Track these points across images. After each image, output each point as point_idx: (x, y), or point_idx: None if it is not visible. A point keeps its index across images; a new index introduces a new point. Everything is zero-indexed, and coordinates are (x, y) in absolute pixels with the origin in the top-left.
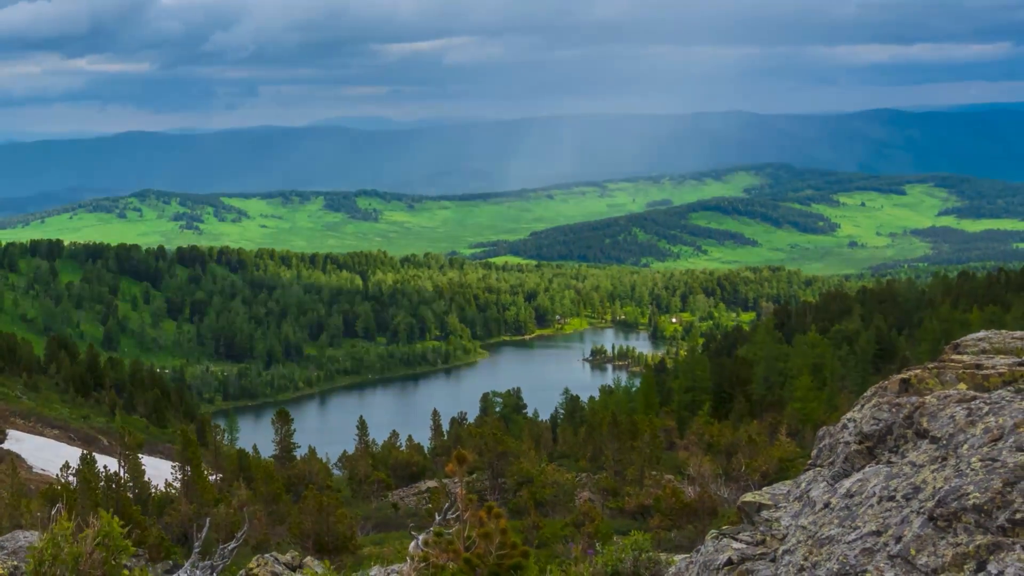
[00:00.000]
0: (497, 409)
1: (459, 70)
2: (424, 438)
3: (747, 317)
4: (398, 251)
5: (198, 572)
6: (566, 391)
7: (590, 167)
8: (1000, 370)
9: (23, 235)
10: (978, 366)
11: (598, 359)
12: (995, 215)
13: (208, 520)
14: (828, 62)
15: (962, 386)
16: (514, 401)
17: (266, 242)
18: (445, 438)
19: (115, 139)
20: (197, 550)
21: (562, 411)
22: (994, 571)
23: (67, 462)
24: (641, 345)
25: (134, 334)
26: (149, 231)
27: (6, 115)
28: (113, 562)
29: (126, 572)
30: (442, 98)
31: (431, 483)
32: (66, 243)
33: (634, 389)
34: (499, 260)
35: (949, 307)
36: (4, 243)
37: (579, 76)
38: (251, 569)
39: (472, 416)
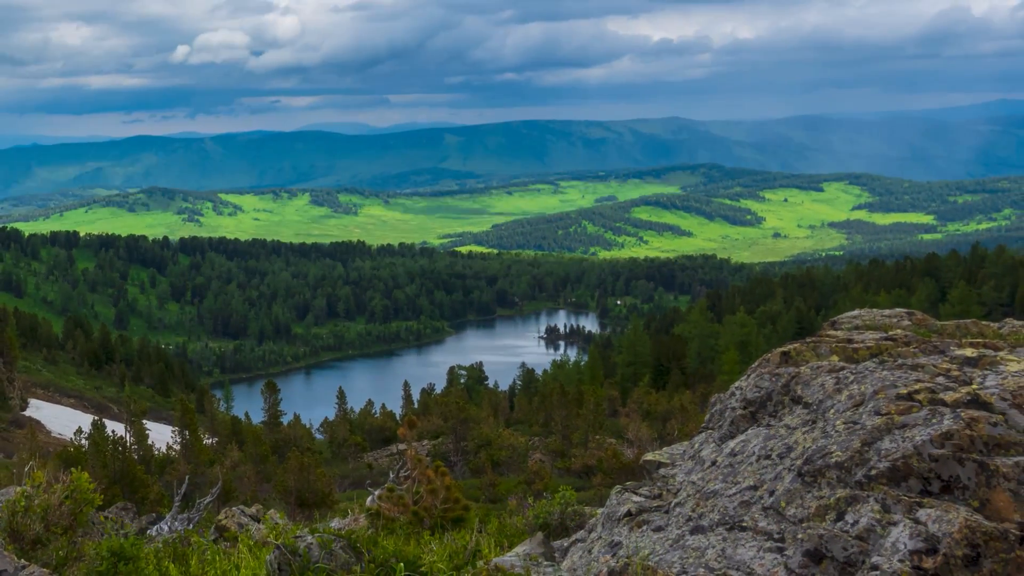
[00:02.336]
0: (462, 381)
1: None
2: (396, 406)
3: (683, 300)
4: (375, 241)
5: (176, 523)
6: (523, 365)
7: (545, 166)
8: (868, 344)
9: (44, 227)
10: (850, 340)
11: (552, 336)
12: (902, 209)
13: (187, 478)
14: (759, 75)
15: (835, 358)
16: (477, 374)
17: (258, 233)
18: (415, 406)
19: (126, 142)
20: (177, 504)
21: (519, 382)
22: (851, 520)
23: (80, 427)
24: (590, 324)
25: (142, 314)
26: (155, 223)
27: (31, 122)
28: (80, 512)
29: (103, 518)
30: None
31: (402, 446)
32: (82, 234)
33: (583, 363)
34: (464, 249)
35: (861, 291)
36: (27, 234)
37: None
38: (220, 520)
39: (439, 387)
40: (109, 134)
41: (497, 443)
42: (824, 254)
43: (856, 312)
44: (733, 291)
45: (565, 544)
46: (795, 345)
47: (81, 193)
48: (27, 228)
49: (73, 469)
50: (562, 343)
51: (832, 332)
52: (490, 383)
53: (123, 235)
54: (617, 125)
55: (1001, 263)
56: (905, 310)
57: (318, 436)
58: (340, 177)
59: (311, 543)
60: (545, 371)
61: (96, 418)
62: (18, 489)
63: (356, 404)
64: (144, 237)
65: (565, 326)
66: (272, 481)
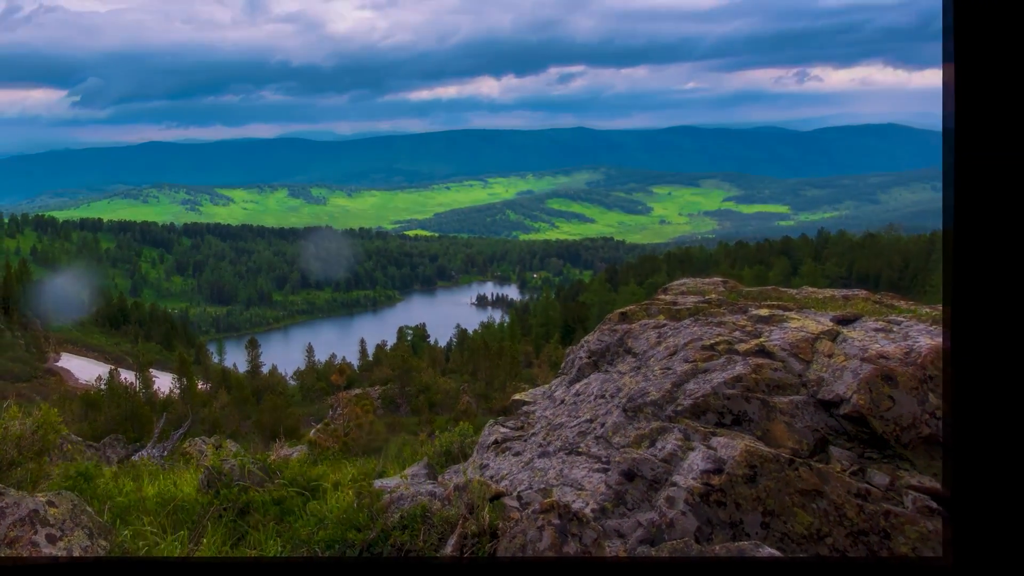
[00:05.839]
0: (408, 338)
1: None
2: (355, 359)
3: (587, 274)
4: (340, 226)
5: (154, 451)
6: (457, 325)
7: (475, 166)
8: (688, 305)
9: (74, 215)
10: (675, 303)
11: (481, 303)
12: (764, 202)
13: (164, 415)
14: (656, 92)
15: (661, 317)
16: (421, 332)
17: (247, 220)
18: (369, 359)
19: (139, 146)
20: (156, 435)
21: (455, 340)
22: (660, 447)
23: (100, 375)
24: (512, 293)
25: (152, 285)
26: (163, 212)
27: (61, 131)
28: (47, 439)
29: (70, 446)
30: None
31: (358, 390)
32: (104, 220)
33: (505, 324)
34: (412, 233)
35: (728, 266)
36: (61, 220)
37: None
38: (185, 448)
39: (390, 344)
40: (127, 140)
41: (434, 388)
42: (700, 237)
43: (683, 280)
44: (627, 267)
45: (463, 467)
46: (631, 307)
47: (104, 187)
48: (61, 215)
49: (44, 404)
50: (489, 308)
51: (663, 296)
52: (432, 340)
53: (137, 221)
54: (534, 133)
55: (842, 244)
56: (721, 279)
57: (291, 383)
58: (312, 175)
59: (233, 465)
60: (475, 331)
61: (113, 368)
62: None
63: (322, 357)
64: (155, 223)
65: (492, 295)
66: (252, 419)
